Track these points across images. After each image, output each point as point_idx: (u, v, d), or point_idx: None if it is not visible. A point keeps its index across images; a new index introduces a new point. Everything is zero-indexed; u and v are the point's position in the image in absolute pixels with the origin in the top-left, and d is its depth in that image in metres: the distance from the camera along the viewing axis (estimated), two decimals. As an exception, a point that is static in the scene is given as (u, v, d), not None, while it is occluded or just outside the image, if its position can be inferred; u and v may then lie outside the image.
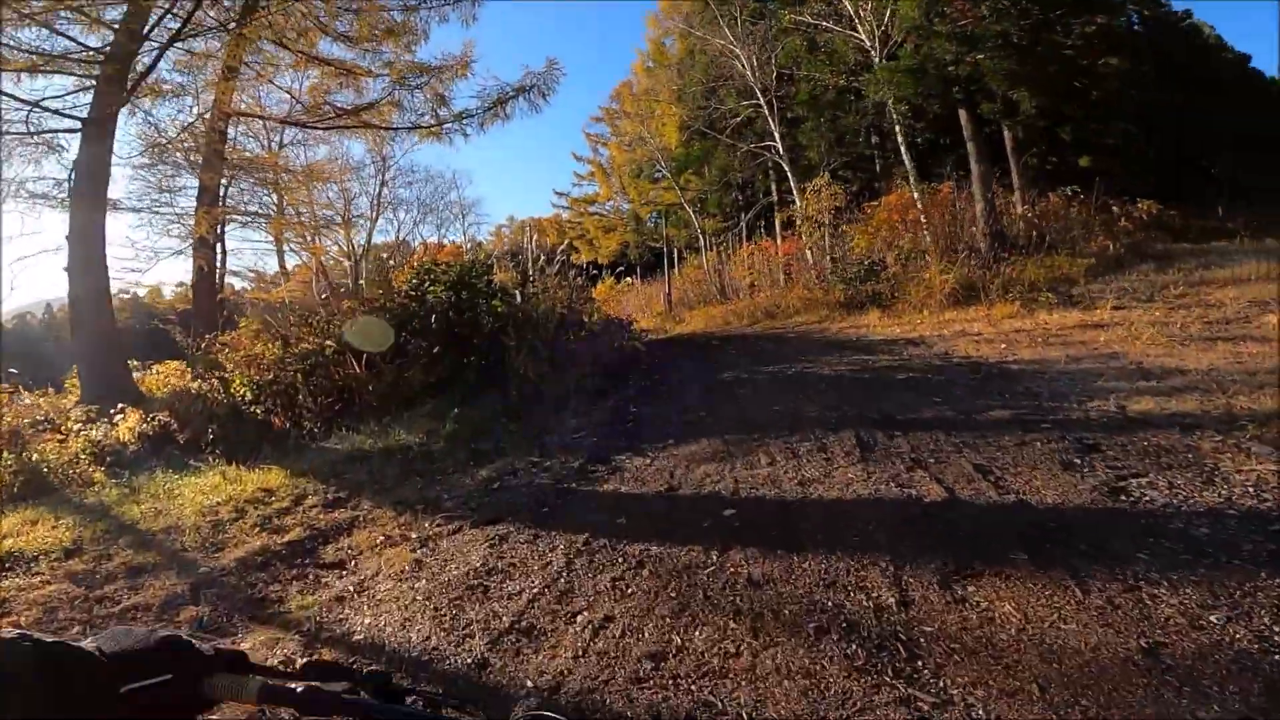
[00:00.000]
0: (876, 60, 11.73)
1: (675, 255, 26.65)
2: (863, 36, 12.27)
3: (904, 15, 10.55)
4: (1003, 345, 7.25)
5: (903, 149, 11.62)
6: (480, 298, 7.34)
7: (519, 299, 7.81)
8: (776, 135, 16.01)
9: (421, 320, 7.40)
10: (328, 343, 7.54)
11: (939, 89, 10.79)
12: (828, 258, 14.63)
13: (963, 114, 11.20)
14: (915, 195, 11.65)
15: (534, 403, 6.72)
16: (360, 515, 4.24)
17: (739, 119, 17.37)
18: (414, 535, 3.77)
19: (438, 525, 3.91)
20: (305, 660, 0.75)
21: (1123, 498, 3.14)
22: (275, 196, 17.98)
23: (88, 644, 0.59)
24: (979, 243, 11.48)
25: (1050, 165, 13.67)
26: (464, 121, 11.22)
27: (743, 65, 16.10)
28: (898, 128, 11.70)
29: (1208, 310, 7.72)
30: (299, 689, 0.60)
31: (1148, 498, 3.11)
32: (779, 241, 18.46)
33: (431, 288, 7.79)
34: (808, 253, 15.32)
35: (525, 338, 7.04)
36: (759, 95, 16.15)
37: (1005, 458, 3.73)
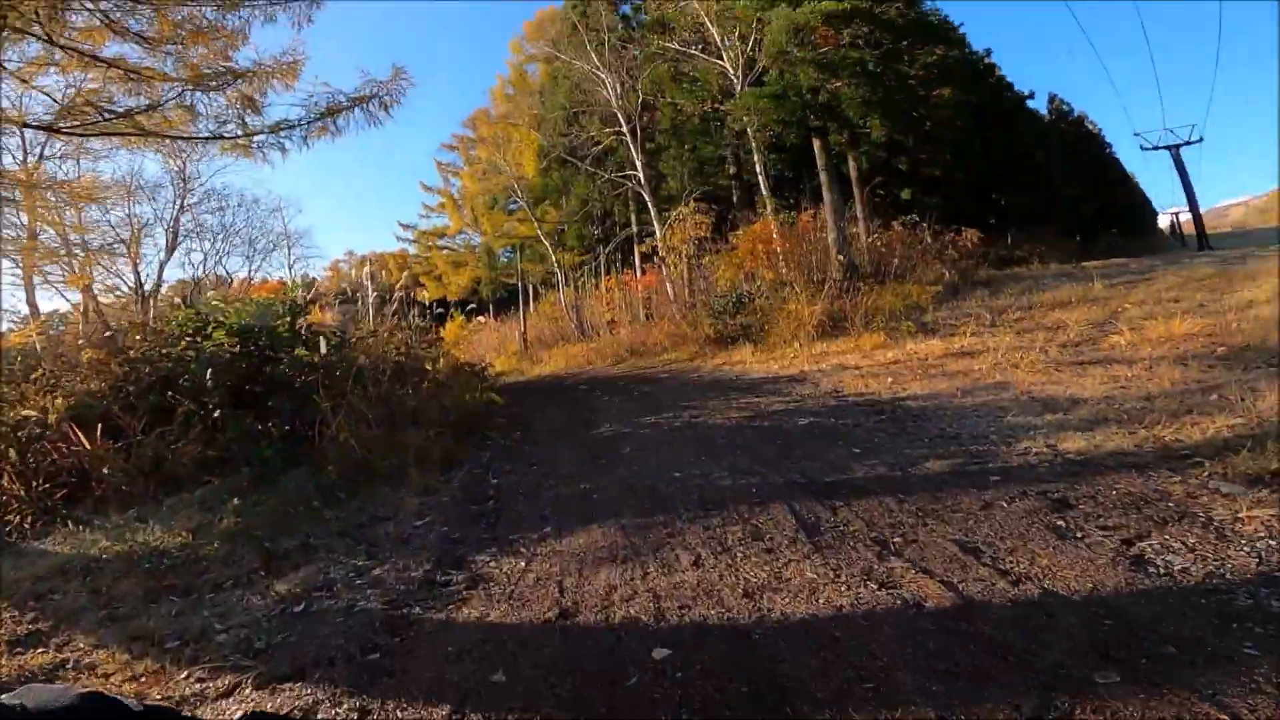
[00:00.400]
0: (739, 87, 11.70)
1: (531, 291, 25.38)
2: (727, 64, 12.25)
3: (772, 40, 10.57)
4: (889, 379, 6.92)
5: (760, 178, 11.59)
6: (283, 346, 5.59)
7: (339, 345, 6.14)
8: (639, 164, 15.59)
9: (195, 375, 5.48)
10: (55, 402, 5.36)
11: (799, 115, 10.90)
12: (688, 290, 14.27)
13: (816, 143, 11.41)
14: (774, 224, 11.60)
15: (360, 479, 5.11)
16: (69, 660, 2.61)
17: (600, 147, 16.81)
18: (156, 697, 2.22)
19: (197, 682, 2.41)
20: (242, 715, 0.43)
21: (1150, 569, 2.49)
22: (27, 219, 14.11)
23: (7, 699, 0.59)
24: (833, 272, 11.61)
25: (879, 196, 14.54)
26: (282, 134, 9.25)
27: (607, 91, 15.58)
28: (756, 155, 11.67)
29: (1053, 333, 8.05)
30: None
31: (1177, 566, 2.50)
32: (639, 274, 17.98)
33: (215, 332, 5.88)
34: (668, 286, 14.89)
35: (346, 395, 5.42)
36: (622, 122, 15.70)
37: (982, 528, 2.99)
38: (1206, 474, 3.32)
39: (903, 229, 12.13)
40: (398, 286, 8.50)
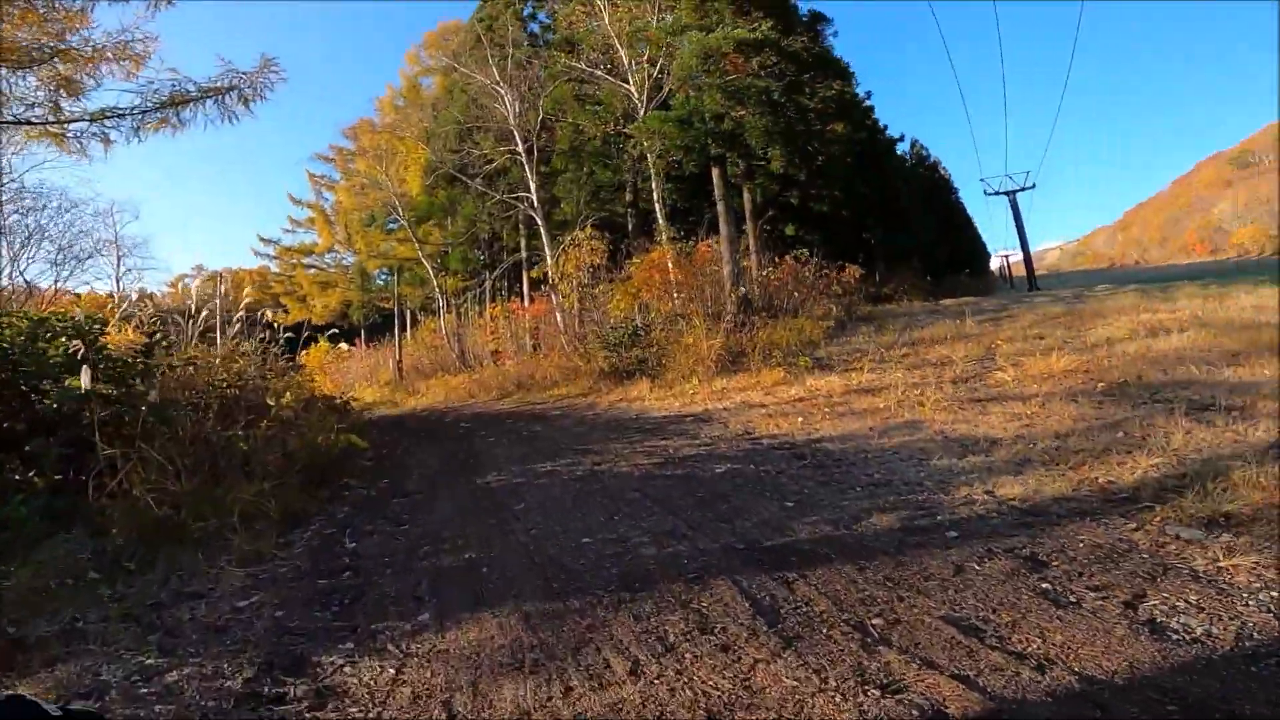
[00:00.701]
0: (643, 110, 11.43)
1: (409, 317, 23.51)
2: (632, 87, 11.99)
3: (681, 64, 10.41)
4: (798, 419, 6.61)
5: (658, 205, 11.31)
6: (54, 374, 4.18)
7: (142, 373, 4.76)
8: (533, 185, 14.85)
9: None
10: None
11: (701, 141, 10.78)
12: (580, 320, 13.62)
13: (715, 172, 11.35)
14: (669, 254, 11.33)
15: (160, 544, 3.84)
16: None
17: (493, 165, 15.92)
18: None
19: None
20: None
21: (1173, 635, 2.15)
22: None
23: None
24: (729, 306, 11.50)
25: (767, 231, 14.89)
26: (108, 123, 7.52)
27: (506, 108, 14.83)
28: (654, 182, 11.41)
29: (941, 369, 8.25)
30: None
31: (1198, 629, 2.20)
32: (527, 303, 17.06)
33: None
34: (558, 316, 14.13)
35: (139, 437, 4.12)
36: (518, 141, 14.97)
37: (967, 598, 2.51)
38: (1159, 519, 3.12)
39: (794, 264, 12.33)
40: (242, 305, 7.04)
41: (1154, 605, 2.34)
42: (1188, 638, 2.11)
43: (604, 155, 14.07)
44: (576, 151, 14.29)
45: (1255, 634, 2.10)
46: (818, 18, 13.74)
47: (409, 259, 20.72)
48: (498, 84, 15.09)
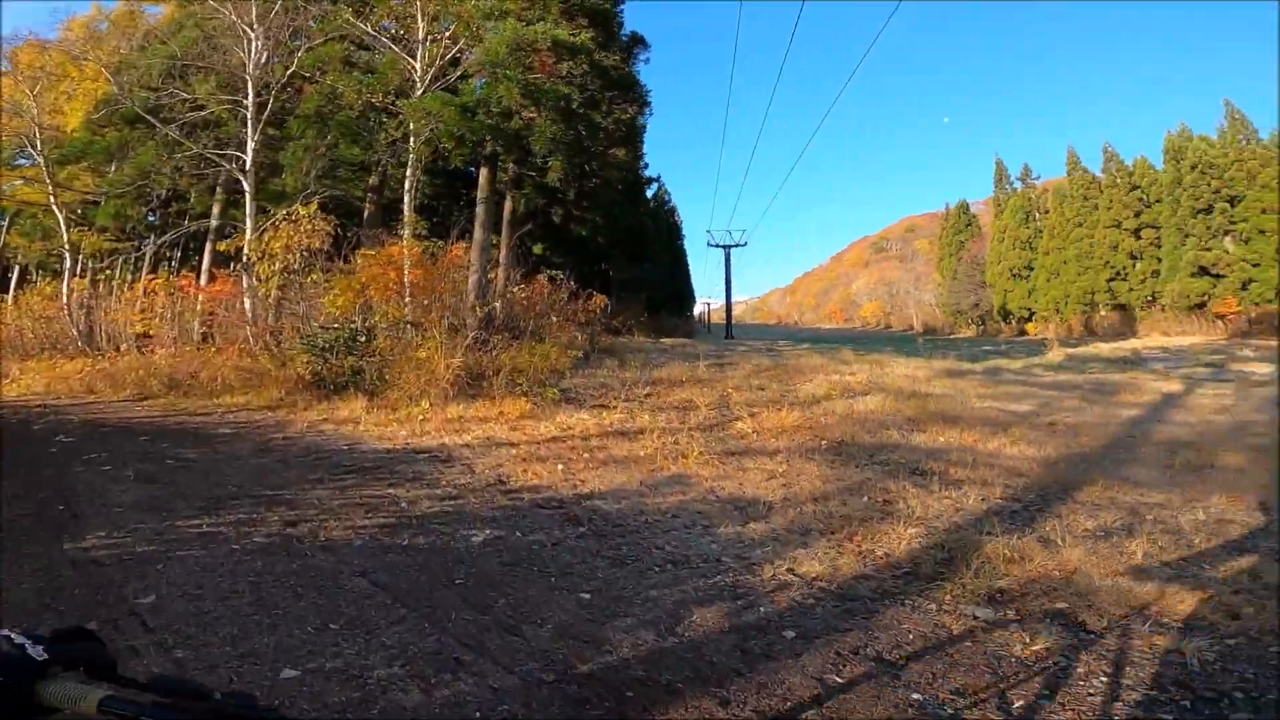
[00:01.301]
0: (421, 90, 9.60)
1: (17, 274, 17.08)
2: (417, 63, 10.05)
3: (489, 50, 8.99)
4: (558, 466, 5.77)
5: (408, 194, 9.57)
6: None
7: None
8: (250, 145, 11.61)
9: None
10: None
11: (481, 135, 9.40)
12: (277, 311, 10.84)
13: (484, 172, 10.08)
14: (413, 251, 9.62)
15: None
16: None
17: (204, 114, 12.20)
18: None
19: None
20: (158, 672, 0.72)
21: None
22: None
23: None
24: (470, 320, 10.28)
25: (515, 246, 14.05)
26: None
27: (246, 54, 11.64)
28: (410, 169, 9.62)
29: (686, 414, 8.33)
30: (148, 703, 0.54)
31: None
32: (205, 280, 13.17)
33: None
34: (247, 301, 11.01)
35: None
36: (250, 94, 11.83)
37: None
38: (950, 598, 3.12)
39: (549, 284, 11.63)
40: None
41: (1021, 707, 2.12)
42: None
43: (357, 129, 11.64)
44: (323, 118, 11.56)
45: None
46: (637, 40, 13.58)
47: (35, 203, 15.18)
48: (250, 24, 11.74)
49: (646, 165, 23.76)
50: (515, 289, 11.36)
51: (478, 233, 10.11)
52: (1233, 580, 3.18)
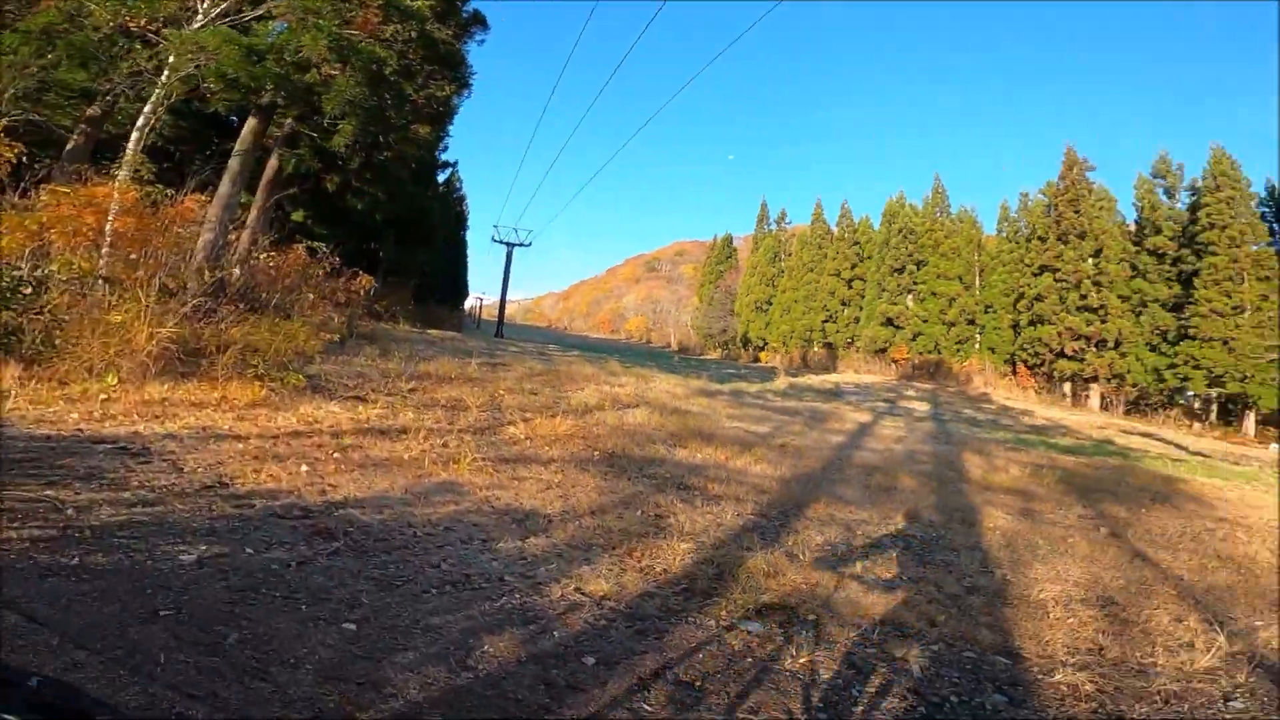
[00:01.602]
0: (200, 22, 7.23)
1: None
2: None
3: None
4: (301, 466, 4.86)
5: (137, 130, 7.26)
6: None
7: None
8: None
9: None
10: None
11: (262, 84, 7.50)
12: None
13: (251, 123, 8.13)
14: (127, 196, 7.34)
15: None
16: None
17: None
18: None
19: None
20: None
21: None
22: None
23: None
24: (194, 284, 8.36)
25: (272, 210, 11.80)
26: None
27: None
28: (152, 104, 7.27)
29: (455, 414, 7.81)
30: None
31: None
32: None
33: None
34: None
35: None
36: None
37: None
38: (725, 613, 3.30)
39: (306, 254, 9.90)
40: None
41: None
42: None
43: (94, 53, 8.42)
44: (50, 35, 8.15)
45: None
46: (478, 19, 12.16)
47: None
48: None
49: (447, 148, 22.06)
50: (262, 255, 9.46)
51: (224, 186, 8.19)
52: (925, 591, 3.92)
